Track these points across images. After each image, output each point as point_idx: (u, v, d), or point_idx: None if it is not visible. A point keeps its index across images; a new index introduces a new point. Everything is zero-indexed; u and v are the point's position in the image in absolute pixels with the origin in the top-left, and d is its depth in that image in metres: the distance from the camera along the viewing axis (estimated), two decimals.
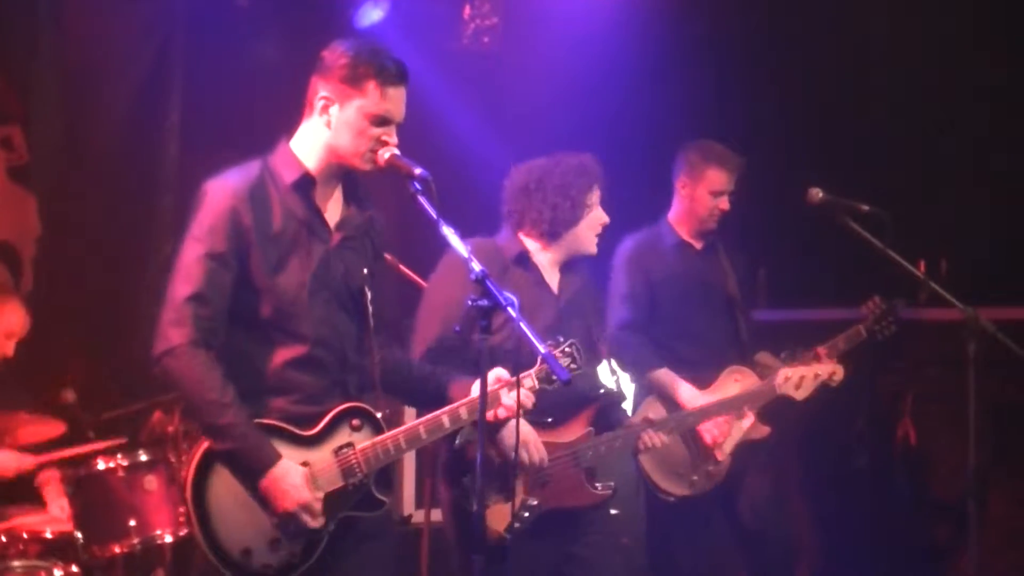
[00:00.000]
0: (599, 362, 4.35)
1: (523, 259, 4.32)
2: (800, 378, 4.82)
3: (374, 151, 3.46)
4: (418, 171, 3.36)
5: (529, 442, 4.03)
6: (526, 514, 4.07)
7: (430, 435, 3.59)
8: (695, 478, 4.89)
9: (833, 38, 6.42)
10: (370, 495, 3.50)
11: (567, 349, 3.86)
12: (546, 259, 4.35)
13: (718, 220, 5.12)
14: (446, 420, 3.60)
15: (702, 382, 4.92)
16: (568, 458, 4.19)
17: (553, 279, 4.37)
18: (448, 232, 3.33)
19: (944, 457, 5.96)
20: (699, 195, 5.10)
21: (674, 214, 5.22)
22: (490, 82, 6.73)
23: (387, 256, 4.87)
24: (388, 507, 3.55)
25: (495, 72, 6.74)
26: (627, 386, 4.90)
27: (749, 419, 4.90)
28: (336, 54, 3.50)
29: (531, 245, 4.33)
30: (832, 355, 4.94)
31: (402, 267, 4.84)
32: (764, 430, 4.97)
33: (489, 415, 3.65)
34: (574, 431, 4.23)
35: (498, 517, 4.00)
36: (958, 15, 6.12)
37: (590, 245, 4.36)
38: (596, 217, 4.33)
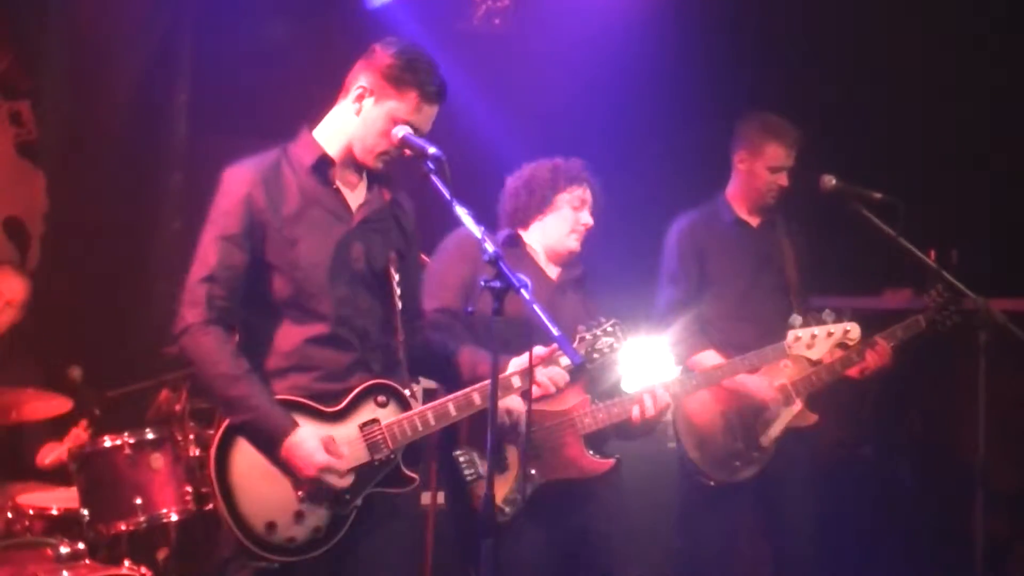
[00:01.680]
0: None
1: (513, 240, 4.37)
2: (812, 337, 4.59)
3: (391, 155, 3.52)
4: (432, 151, 3.38)
5: (512, 410, 3.99)
6: (525, 485, 4.03)
7: (460, 411, 3.62)
8: (738, 464, 4.82)
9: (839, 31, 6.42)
10: (398, 471, 3.53)
11: (608, 328, 3.85)
12: (535, 246, 4.39)
13: (777, 196, 4.99)
14: (476, 397, 3.63)
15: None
16: (564, 426, 4.15)
17: (550, 267, 4.40)
18: (462, 212, 3.34)
19: (952, 447, 5.95)
20: (758, 170, 4.97)
21: (732, 190, 5.09)
22: (500, 64, 6.70)
23: None
24: (418, 485, 3.56)
25: (506, 54, 6.71)
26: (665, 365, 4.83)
27: (797, 405, 4.81)
28: (389, 51, 3.53)
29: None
30: (890, 343, 4.80)
31: None
32: (811, 418, 4.86)
33: (518, 394, 3.75)
34: (570, 399, 4.18)
35: (495, 489, 3.95)
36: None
37: (564, 240, 4.37)
38: (568, 216, 4.35)
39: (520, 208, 4.40)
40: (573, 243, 4.38)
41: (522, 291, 3.17)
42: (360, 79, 3.52)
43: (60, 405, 5.22)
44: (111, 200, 6.06)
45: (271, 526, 3.37)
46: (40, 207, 6.20)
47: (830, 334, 4.63)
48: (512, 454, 4.05)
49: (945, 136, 6.21)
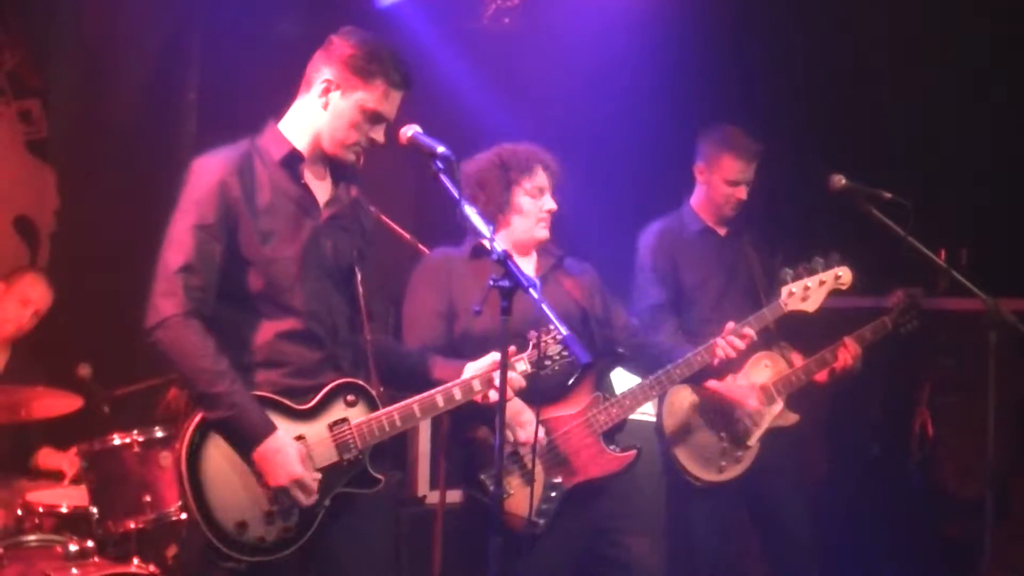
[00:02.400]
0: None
1: (478, 251, 4.23)
2: (804, 289, 4.60)
3: (361, 145, 3.50)
4: (440, 150, 3.38)
5: (524, 423, 3.96)
6: (553, 494, 4.04)
7: (424, 413, 3.61)
8: (723, 463, 4.82)
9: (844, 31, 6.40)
10: (366, 472, 3.51)
11: (557, 336, 3.76)
12: (508, 246, 4.24)
13: (735, 208, 5.04)
14: (440, 399, 3.62)
15: (730, 368, 4.75)
16: (581, 427, 4.14)
17: (527, 264, 4.29)
18: (470, 211, 3.34)
19: (961, 449, 5.93)
20: (715, 183, 5.02)
21: (695, 200, 5.13)
22: (510, 63, 6.70)
23: (405, 235, 4.89)
24: (384, 485, 3.54)
25: (515, 53, 6.71)
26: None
27: (778, 405, 4.84)
28: (349, 42, 3.51)
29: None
30: (860, 344, 4.85)
31: (421, 247, 4.83)
32: (792, 417, 4.89)
33: (479, 398, 3.68)
34: (581, 399, 4.18)
35: (523, 503, 3.94)
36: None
37: (532, 233, 4.23)
38: (531, 209, 4.20)
39: (483, 211, 4.07)
40: (542, 232, 4.25)
41: (531, 290, 3.18)
42: (323, 72, 3.50)
43: (70, 403, 5.23)
44: (120, 198, 6.07)
45: (241, 525, 3.33)
46: (50, 205, 6.22)
47: (822, 283, 4.64)
48: (539, 465, 4.02)
49: (947, 136, 6.19)
